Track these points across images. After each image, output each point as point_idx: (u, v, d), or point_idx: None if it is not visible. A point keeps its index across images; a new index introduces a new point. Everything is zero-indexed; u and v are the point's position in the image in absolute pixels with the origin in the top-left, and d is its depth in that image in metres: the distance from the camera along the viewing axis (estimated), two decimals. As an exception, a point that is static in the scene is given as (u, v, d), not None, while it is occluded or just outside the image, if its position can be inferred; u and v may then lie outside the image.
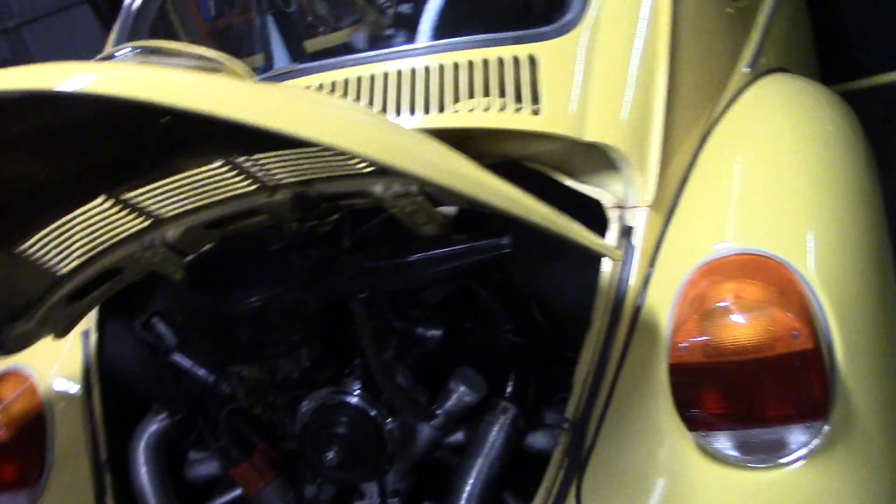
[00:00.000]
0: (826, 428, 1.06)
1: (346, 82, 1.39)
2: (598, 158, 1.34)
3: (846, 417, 1.08)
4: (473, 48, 1.35)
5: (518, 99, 1.31)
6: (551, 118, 1.29)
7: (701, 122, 1.41)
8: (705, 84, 1.45)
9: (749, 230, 1.22)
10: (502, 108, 1.30)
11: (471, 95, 1.32)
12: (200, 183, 1.18)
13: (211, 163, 1.15)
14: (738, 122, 1.41)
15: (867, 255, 1.21)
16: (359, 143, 0.82)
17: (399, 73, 1.36)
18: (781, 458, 1.08)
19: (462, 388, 1.32)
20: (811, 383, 1.06)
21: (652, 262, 1.27)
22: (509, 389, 1.36)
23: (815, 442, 1.06)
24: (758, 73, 1.57)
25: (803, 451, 1.07)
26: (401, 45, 1.49)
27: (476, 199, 0.89)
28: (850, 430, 1.08)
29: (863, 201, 1.29)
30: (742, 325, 1.07)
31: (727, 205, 1.27)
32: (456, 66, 1.34)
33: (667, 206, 1.30)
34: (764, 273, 1.14)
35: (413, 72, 1.36)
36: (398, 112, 1.33)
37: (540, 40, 1.34)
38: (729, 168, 1.33)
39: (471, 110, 1.30)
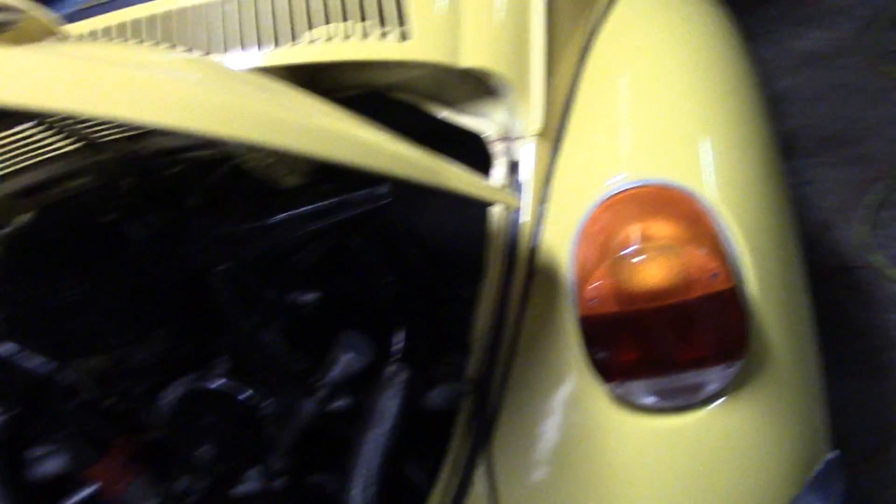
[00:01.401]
0: (743, 365, 1.00)
1: (170, 15, 1.16)
2: (476, 85, 1.20)
3: (762, 352, 1.03)
4: (325, -38, 1.15)
5: (382, 22, 1.13)
6: (423, 43, 1.13)
7: (579, 35, 1.28)
8: None
9: (645, 157, 1.12)
10: (365, 35, 1.12)
11: (327, 21, 1.13)
12: (6, 145, 0.96)
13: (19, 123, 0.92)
14: (616, 32, 1.29)
15: (765, 169, 1.15)
16: (178, 115, 0.64)
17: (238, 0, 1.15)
18: (699, 399, 1.02)
19: (347, 356, 1.18)
20: (730, 323, 0.99)
21: (543, 199, 1.15)
22: (399, 347, 1.23)
23: (733, 380, 1.01)
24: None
25: (721, 391, 1.01)
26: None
27: (337, 161, 0.73)
28: (765, 364, 1.03)
29: (752, 105, 1.21)
30: (656, 269, 0.98)
31: (618, 130, 1.16)
32: (306, -15, 1.14)
33: (554, 134, 1.18)
34: (671, 206, 1.05)
35: None
36: (242, 46, 1.13)
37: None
38: (615, 87, 1.22)
39: (329, 39, 1.12)
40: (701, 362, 1.01)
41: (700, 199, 1.05)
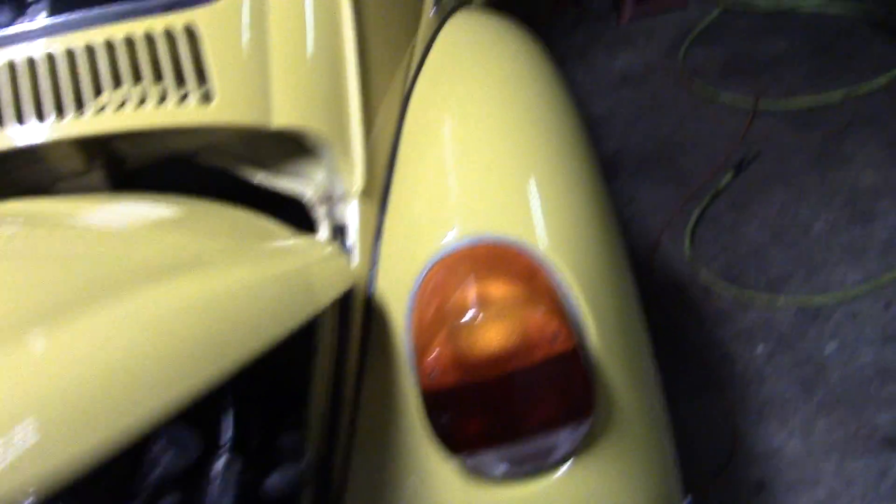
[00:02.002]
0: (590, 424, 0.97)
1: None
2: (292, 144, 1.12)
3: (608, 408, 1.00)
4: (109, 23, 1.03)
5: (181, 83, 1.03)
6: (227, 104, 1.03)
7: (398, 83, 1.22)
8: (396, 40, 1.25)
9: (474, 212, 1.06)
10: (163, 98, 1.02)
11: (117, 84, 1.02)
12: None
13: None
14: (435, 79, 1.24)
15: (594, 208, 1.12)
16: None
17: (11, 66, 1.02)
18: (551, 463, 0.98)
19: (168, 455, 1.06)
20: (574, 384, 0.95)
21: (372, 262, 1.08)
22: (228, 436, 1.12)
23: (581, 440, 0.98)
24: (442, 14, 1.41)
25: (570, 452, 0.98)
26: (6, 24, 1.12)
27: None
28: (613, 420, 1.00)
29: (574, 141, 1.19)
30: (495, 334, 0.93)
31: (444, 182, 1.10)
32: (90, 49, 1.02)
33: (378, 192, 1.12)
34: (504, 264, 1.00)
35: (31, 62, 1.02)
36: (20, 119, 1.00)
37: (194, 6, 1.06)
38: (437, 137, 1.16)
39: (120, 106, 1.01)
40: (548, 426, 0.96)
41: (533, 253, 1.01)
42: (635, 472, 1.02)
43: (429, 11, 1.37)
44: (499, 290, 0.97)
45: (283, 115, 1.06)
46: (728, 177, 2.47)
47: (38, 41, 1.03)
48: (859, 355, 1.93)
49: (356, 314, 1.05)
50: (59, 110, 1.01)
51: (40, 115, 1.00)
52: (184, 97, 1.02)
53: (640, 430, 1.03)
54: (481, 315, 0.93)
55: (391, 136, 1.16)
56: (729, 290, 2.17)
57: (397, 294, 1.04)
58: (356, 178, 1.09)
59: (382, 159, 1.14)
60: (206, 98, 1.03)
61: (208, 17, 1.06)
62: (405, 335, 1.02)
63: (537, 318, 0.93)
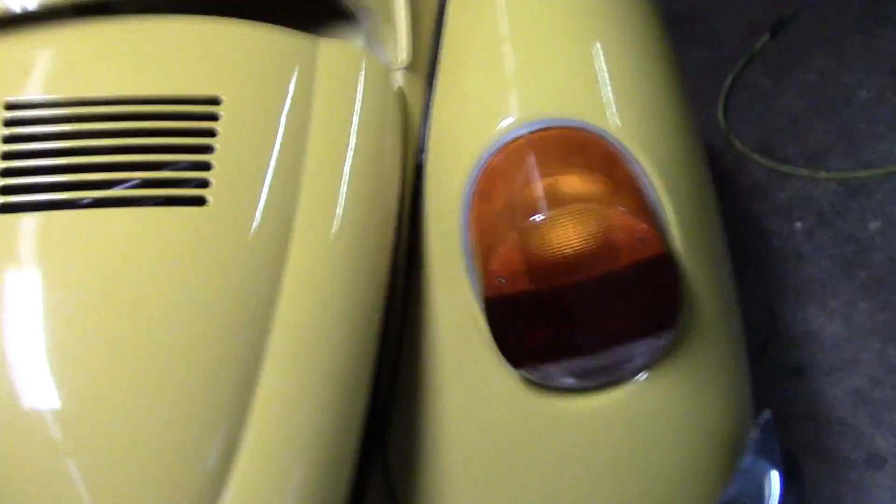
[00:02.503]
0: (672, 336, 0.86)
1: None
2: (323, 7, 0.96)
3: (689, 320, 0.89)
4: None
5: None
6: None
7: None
8: None
9: (539, 92, 0.92)
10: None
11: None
12: None
13: None
14: None
15: (673, 96, 0.98)
16: None
17: None
18: (624, 375, 0.88)
19: None
20: (660, 292, 0.84)
21: (420, 147, 0.95)
22: None
23: (661, 353, 0.87)
24: None
25: (646, 365, 0.88)
26: None
27: None
28: (692, 332, 0.90)
29: (643, 8, 1.04)
30: (574, 235, 0.81)
31: (500, 57, 0.95)
32: None
33: (425, 68, 0.97)
34: (580, 153, 0.87)
35: None
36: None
37: None
38: (489, 2, 1.00)
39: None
40: (627, 337, 0.86)
41: (609, 139, 0.88)
42: (712, 385, 0.93)
43: None
44: (576, 183, 0.84)
45: None
46: (764, 39, 2.30)
47: None
48: (904, 236, 1.83)
49: (402, 206, 0.92)
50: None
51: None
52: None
53: (719, 341, 0.93)
54: (558, 213, 0.81)
55: (436, 4, 1.00)
56: (765, 162, 2.04)
57: (450, 186, 0.91)
58: (401, 48, 0.94)
59: (427, 30, 0.98)
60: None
61: None
62: (461, 233, 0.89)
63: (622, 217, 0.81)
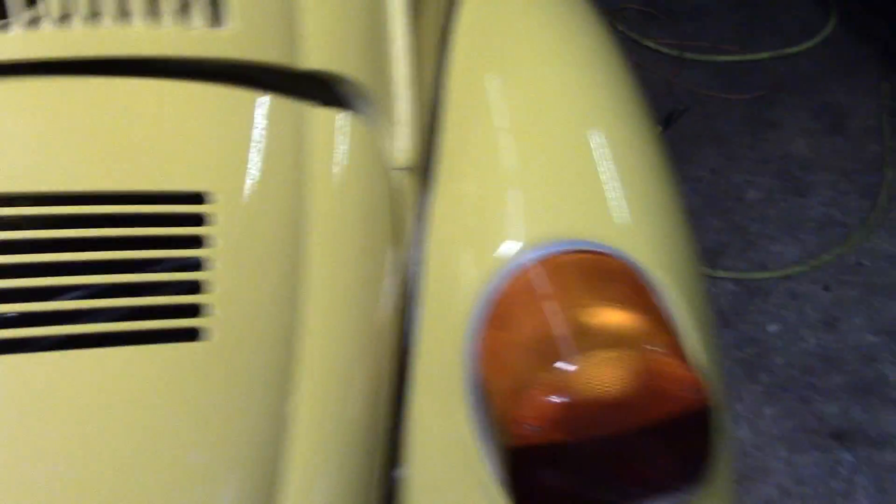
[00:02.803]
0: (697, 492, 0.78)
1: None
2: (315, 96, 0.82)
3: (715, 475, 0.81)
4: None
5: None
6: (246, 32, 0.72)
7: (433, 23, 0.94)
8: None
9: (558, 209, 0.82)
10: (154, 14, 0.69)
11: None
12: None
13: None
14: (478, 24, 0.96)
15: (680, 214, 0.91)
16: None
17: None
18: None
19: None
20: (695, 446, 0.76)
21: (414, 260, 0.82)
22: None
23: (679, 504, 0.79)
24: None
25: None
26: None
27: None
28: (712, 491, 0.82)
29: (640, 115, 0.97)
30: (614, 379, 0.71)
31: (508, 164, 0.85)
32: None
33: (420, 165, 0.85)
34: (614, 284, 0.78)
35: None
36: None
37: None
38: (493, 103, 0.89)
39: (92, 16, 0.68)
40: (650, 491, 0.77)
41: (638, 266, 0.80)
42: None
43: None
44: (614, 318, 0.75)
45: (314, 54, 0.76)
46: (657, 131, 2.32)
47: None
48: (801, 339, 1.86)
49: (392, 330, 0.80)
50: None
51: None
52: (182, 14, 0.71)
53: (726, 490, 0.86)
54: (599, 355, 0.71)
55: (430, 92, 0.89)
56: (664, 258, 2.04)
57: (453, 309, 0.79)
58: (402, 144, 0.82)
59: (424, 127, 0.87)
60: (216, 20, 0.72)
61: None
62: (467, 365, 0.78)
63: (668, 363, 0.72)
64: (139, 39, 0.68)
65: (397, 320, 0.81)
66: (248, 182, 0.71)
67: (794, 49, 2.55)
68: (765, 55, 2.54)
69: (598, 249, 0.79)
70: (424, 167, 0.85)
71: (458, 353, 0.78)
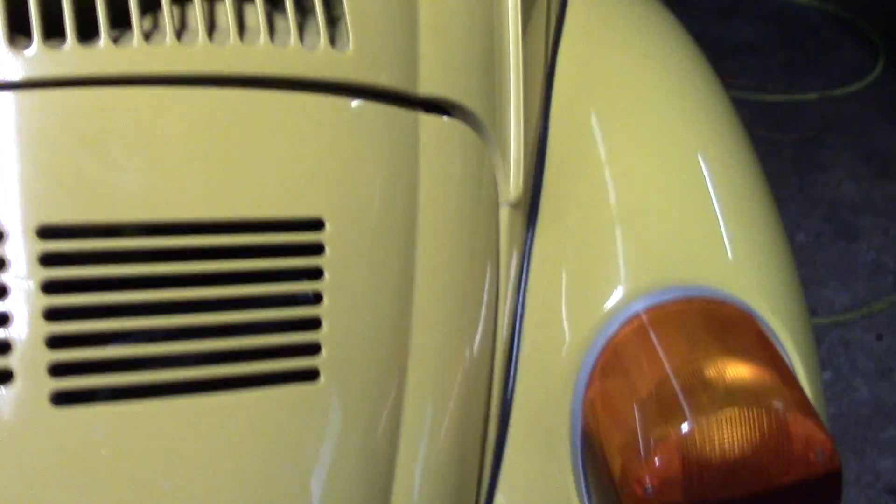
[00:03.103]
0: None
1: None
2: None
3: None
4: None
5: (302, 14, 0.68)
6: (368, 54, 0.69)
7: (539, 54, 0.90)
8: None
9: (670, 254, 0.78)
10: (270, 32, 0.66)
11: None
12: None
13: None
14: (580, 62, 0.93)
15: (792, 263, 0.88)
16: None
17: None
18: None
19: None
20: (820, 509, 0.72)
21: (517, 300, 0.78)
22: None
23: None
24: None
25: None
26: None
27: None
28: None
29: (748, 153, 0.93)
30: (744, 443, 0.67)
31: (621, 202, 0.81)
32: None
33: (526, 200, 0.81)
34: (736, 335, 0.73)
35: None
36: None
37: None
38: (601, 139, 0.86)
39: (209, 32, 0.64)
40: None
41: (760, 317, 0.76)
42: None
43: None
44: (740, 374, 0.70)
45: (433, 80, 0.72)
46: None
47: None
48: (854, 389, 1.81)
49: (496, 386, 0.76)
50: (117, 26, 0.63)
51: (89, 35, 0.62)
52: (300, 34, 0.67)
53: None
54: (726, 413, 0.66)
55: (536, 125, 0.86)
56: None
57: (559, 356, 0.75)
58: (511, 179, 0.78)
59: (530, 160, 0.83)
60: (337, 41, 0.68)
61: None
62: (573, 415, 0.73)
63: (796, 419, 0.67)
64: (263, 57, 0.64)
65: (500, 360, 0.76)
66: (363, 206, 0.67)
67: (842, 91, 2.52)
68: (812, 96, 2.51)
69: (716, 296, 0.75)
70: (528, 204, 0.82)
71: (563, 401, 0.74)
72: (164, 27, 0.63)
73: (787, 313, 0.78)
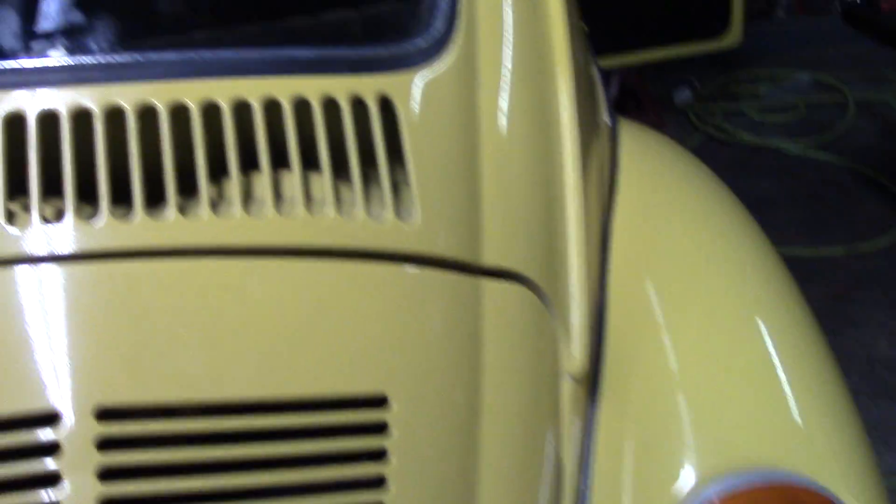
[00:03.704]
0: None
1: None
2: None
3: None
4: (275, 76, 0.66)
5: (365, 184, 0.67)
6: (433, 225, 0.67)
7: (595, 225, 0.89)
8: (594, 157, 0.92)
9: (742, 432, 0.74)
10: (338, 204, 0.64)
11: (277, 164, 0.65)
12: None
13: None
14: (634, 227, 0.92)
15: (866, 441, 0.83)
16: None
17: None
18: None
19: None
20: None
21: (583, 476, 0.74)
22: None
23: None
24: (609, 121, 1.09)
25: None
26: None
27: None
28: None
29: (824, 342, 0.90)
30: None
31: (679, 377, 0.78)
32: (241, 106, 0.64)
33: (589, 380, 0.78)
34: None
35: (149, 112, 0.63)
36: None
37: (393, 69, 0.70)
38: (652, 309, 0.83)
39: (282, 206, 0.63)
40: None
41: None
42: None
43: (603, 117, 1.04)
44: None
45: (495, 251, 0.71)
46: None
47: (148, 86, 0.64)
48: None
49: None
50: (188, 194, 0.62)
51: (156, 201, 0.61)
52: (367, 206, 0.66)
53: None
54: None
55: (596, 304, 0.83)
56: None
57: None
58: (574, 353, 0.75)
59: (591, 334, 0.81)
60: (402, 213, 0.67)
61: (408, 85, 0.70)
62: None
63: None
64: (332, 229, 0.63)
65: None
66: (427, 379, 0.64)
67: (869, 246, 2.51)
68: (839, 250, 2.50)
69: (794, 482, 0.71)
70: (593, 378, 0.78)
71: None
72: (232, 197, 0.62)
73: (867, 497, 0.74)
